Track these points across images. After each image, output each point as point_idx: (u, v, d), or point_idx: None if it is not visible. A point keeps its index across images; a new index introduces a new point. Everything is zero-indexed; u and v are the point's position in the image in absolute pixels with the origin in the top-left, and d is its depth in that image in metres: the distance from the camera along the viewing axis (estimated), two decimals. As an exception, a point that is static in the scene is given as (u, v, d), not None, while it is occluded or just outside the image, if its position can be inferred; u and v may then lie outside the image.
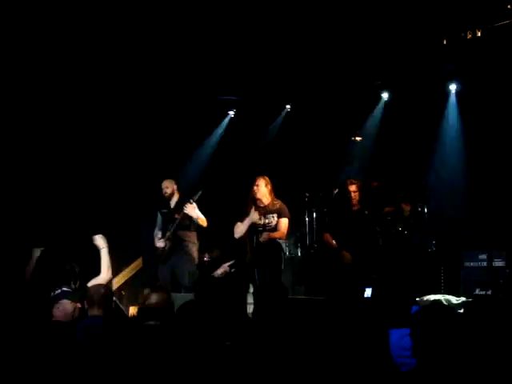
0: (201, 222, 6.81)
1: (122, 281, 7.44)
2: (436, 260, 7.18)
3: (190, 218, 6.80)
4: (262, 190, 6.18)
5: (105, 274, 4.71)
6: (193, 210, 6.73)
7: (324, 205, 7.82)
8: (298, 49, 7.64)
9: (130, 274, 7.59)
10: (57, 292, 4.08)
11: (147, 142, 8.45)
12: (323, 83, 8.28)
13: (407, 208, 7.27)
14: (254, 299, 3.64)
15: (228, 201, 8.13)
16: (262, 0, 6.74)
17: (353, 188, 6.41)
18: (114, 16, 6.66)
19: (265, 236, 6.09)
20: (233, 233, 6.28)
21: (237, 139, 9.10)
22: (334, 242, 6.42)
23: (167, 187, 6.95)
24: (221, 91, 8.71)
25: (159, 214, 7.10)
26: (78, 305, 4.06)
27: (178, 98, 8.55)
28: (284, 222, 6.20)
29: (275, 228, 6.15)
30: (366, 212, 6.40)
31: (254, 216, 6.07)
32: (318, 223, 7.93)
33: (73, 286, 4.63)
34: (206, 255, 7.05)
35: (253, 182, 6.24)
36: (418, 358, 2.37)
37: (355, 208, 6.44)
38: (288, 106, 9.18)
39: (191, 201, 6.71)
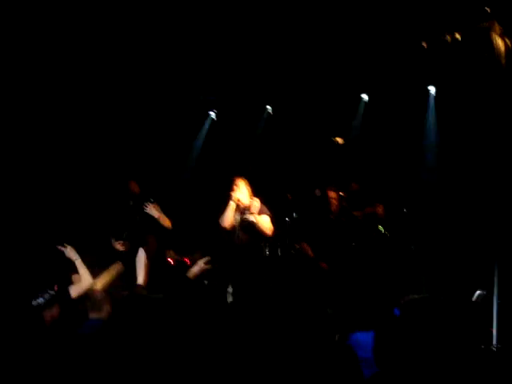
0: (163, 222, 6.68)
1: (104, 284, 7.36)
2: (418, 261, 7.23)
3: (150, 217, 6.65)
4: (242, 190, 6.18)
5: (86, 281, 4.79)
6: (153, 209, 6.62)
7: (305, 206, 7.83)
8: (280, 50, 7.68)
9: (111, 278, 7.50)
10: (44, 298, 4.13)
11: (126, 141, 8.39)
12: (305, 84, 8.30)
13: (380, 210, 7.31)
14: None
15: (208, 202, 8.10)
16: (245, 3, 6.76)
17: (333, 195, 6.45)
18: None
19: (251, 217, 6.03)
20: (219, 226, 6.22)
21: (218, 140, 9.08)
22: (310, 251, 6.44)
23: (135, 187, 6.93)
24: (202, 91, 8.70)
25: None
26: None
27: (157, 98, 8.52)
28: (266, 219, 6.18)
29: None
30: (343, 219, 6.44)
31: (234, 195, 6.05)
32: (299, 224, 7.92)
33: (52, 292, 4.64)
34: (171, 256, 6.97)
35: (231, 183, 6.23)
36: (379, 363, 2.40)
37: (333, 216, 6.47)
38: (269, 107, 9.17)
39: (151, 200, 6.63)
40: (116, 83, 7.98)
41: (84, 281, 4.85)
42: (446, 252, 7.26)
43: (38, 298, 4.24)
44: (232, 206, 6.07)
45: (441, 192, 7.95)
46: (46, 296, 4.28)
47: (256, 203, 6.20)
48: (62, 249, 5.14)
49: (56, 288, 4.81)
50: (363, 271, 6.41)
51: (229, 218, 6.11)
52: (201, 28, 7.26)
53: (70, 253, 5.02)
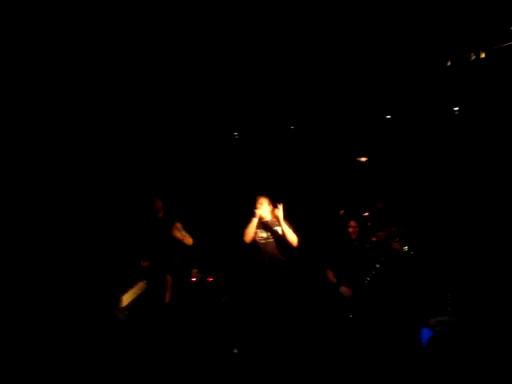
0: (186, 242, 6.82)
1: (128, 300, 7.42)
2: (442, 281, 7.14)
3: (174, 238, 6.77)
4: (265, 207, 6.23)
5: None
6: (177, 231, 6.78)
7: (330, 226, 7.80)
8: (304, 72, 7.74)
9: (135, 296, 7.54)
10: None
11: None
12: (328, 105, 8.33)
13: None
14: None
15: (229, 222, 8.11)
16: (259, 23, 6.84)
17: (352, 224, 6.45)
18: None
19: (280, 227, 6.03)
20: (241, 244, 6.24)
21: (241, 159, 9.14)
22: (334, 278, 6.41)
23: (161, 207, 6.99)
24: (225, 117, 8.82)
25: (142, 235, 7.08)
26: None
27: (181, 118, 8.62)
28: (291, 230, 6.18)
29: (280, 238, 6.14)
30: (368, 245, 6.42)
31: (258, 213, 6.09)
32: (323, 244, 7.88)
33: None
34: (195, 275, 7.01)
35: (255, 202, 6.26)
36: None
37: (356, 242, 6.45)
38: (292, 127, 9.22)
39: (175, 219, 6.79)
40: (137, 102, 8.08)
41: None
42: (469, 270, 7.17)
43: None
44: (254, 221, 6.11)
45: (461, 212, 7.87)
46: None
47: (280, 215, 6.22)
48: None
49: None
50: (389, 292, 6.35)
51: (250, 232, 6.13)
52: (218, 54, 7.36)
53: None
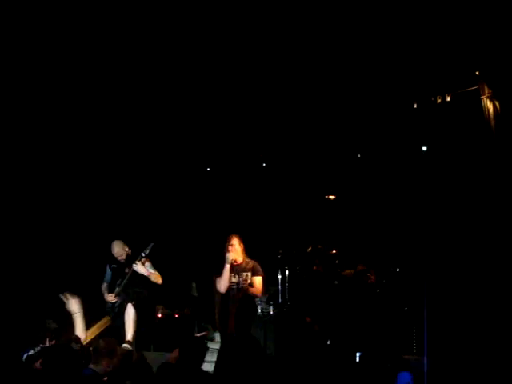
0: (153, 279, 6.63)
1: (91, 337, 7.29)
2: (408, 319, 7.18)
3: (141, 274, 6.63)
4: (237, 248, 6.13)
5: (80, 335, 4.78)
6: (142, 266, 6.59)
7: (297, 262, 7.82)
8: (276, 106, 7.86)
9: (99, 331, 7.42)
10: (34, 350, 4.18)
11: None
12: (298, 142, 8.44)
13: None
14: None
15: (200, 258, 8.09)
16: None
17: (318, 268, 6.48)
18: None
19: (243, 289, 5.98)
20: (214, 289, 6.17)
21: (211, 195, 9.15)
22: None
23: (121, 254, 6.73)
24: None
25: (108, 269, 6.90)
26: None
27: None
28: (259, 280, 6.14)
29: (250, 285, 6.10)
30: (336, 282, 6.44)
31: (230, 256, 6.00)
32: (291, 281, 7.89)
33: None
34: (160, 310, 6.87)
35: (226, 241, 6.18)
36: None
37: (325, 280, 6.48)
38: (263, 164, 9.31)
39: (142, 254, 6.58)
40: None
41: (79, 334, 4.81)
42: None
43: (28, 350, 4.24)
44: (227, 268, 6.02)
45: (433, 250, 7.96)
46: (37, 349, 4.29)
47: (249, 261, 6.18)
48: (65, 299, 5.05)
49: (47, 341, 4.77)
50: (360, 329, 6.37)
51: (226, 282, 6.03)
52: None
53: (74, 305, 4.93)
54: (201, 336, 6.64)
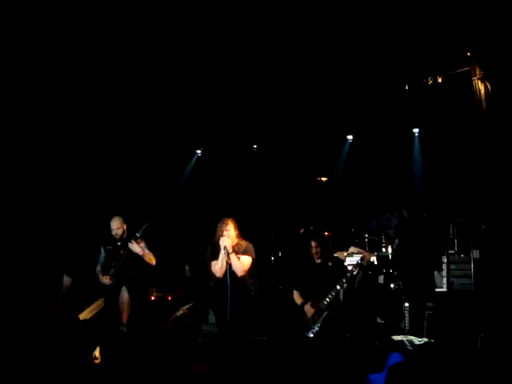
0: (148, 259, 6.59)
1: (85, 318, 7.31)
2: (400, 299, 7.24)
3: (136, 254, 6.56)
4: (231, 234, 6.07)
5: None
6: (137, 246, 6.54)
7: (290, 245, 7.87)
8: (269, 88, 7.84)
9: (92, 314, 7.44)
10: None
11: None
12: (290, 125, 8.44)
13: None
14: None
15: (193, 240, 8.09)
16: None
17: (314, 244, 6.41)
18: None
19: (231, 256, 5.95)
20: (210, 274, 6.14)
21: (203, 178, 9.15)
22: (300, 299, 6.38)
23: (118, 228, 6.67)
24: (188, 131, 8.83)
25: (103, 250, 6.84)
26: None
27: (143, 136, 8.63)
28: (247, 259, 6.10)
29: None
30: (330, 264, 6.41)
31: (223, 242, 5.94)
32: (284, 262, 7.95)
33: None
34: (154, 293, 6.87)
35: (221, 224, 6.13)
36: None
37: (318, 261, 6.43)
38: (255, 146, 9.30)
39: (137, 235, 6.54)
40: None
41: None
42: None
43: None
44: (223, 255, 5.97)
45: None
46: None
47: (242, 243, 6.15)
48: None
49: None
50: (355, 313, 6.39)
51: (222, 267, 5.99)
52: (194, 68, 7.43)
53: None
54: (182, 314, 6.60)
